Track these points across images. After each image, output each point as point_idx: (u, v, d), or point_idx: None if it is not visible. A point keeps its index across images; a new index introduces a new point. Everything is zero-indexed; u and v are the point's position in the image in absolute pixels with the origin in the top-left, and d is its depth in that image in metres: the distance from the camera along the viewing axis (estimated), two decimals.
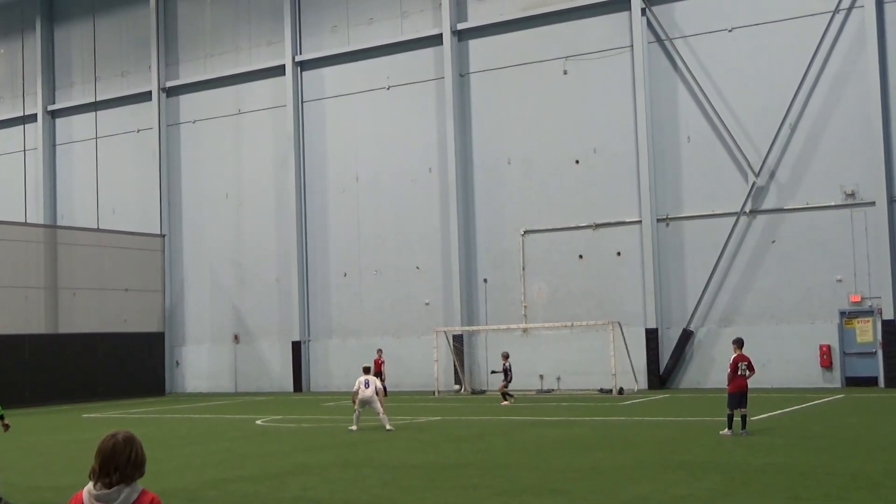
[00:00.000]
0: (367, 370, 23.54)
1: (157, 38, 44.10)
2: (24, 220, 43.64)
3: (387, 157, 39.03)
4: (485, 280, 37.28)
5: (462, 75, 37.75)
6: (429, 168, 38.18)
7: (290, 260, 40.62)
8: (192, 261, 43.53)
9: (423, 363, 36.83)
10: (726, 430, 18.98)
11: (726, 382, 19.37)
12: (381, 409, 22.39)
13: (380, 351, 35.20)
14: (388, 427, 22.21)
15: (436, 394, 34.49)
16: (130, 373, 39.64)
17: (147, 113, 44.44)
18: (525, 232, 36.43)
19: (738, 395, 19.00)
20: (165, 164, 44.05)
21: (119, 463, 4.84)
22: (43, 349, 36.20)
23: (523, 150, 36.56)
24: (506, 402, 29.97)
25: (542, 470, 15.21)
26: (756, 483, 13.11)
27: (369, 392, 22.37)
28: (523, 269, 36.46)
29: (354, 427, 22.55)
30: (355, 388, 22.59)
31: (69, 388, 35.99)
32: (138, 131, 44.90)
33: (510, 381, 30.93)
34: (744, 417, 19.06)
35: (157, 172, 43.95)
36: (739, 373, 19.06)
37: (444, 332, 36.41)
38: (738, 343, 19.58)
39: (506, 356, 31.58)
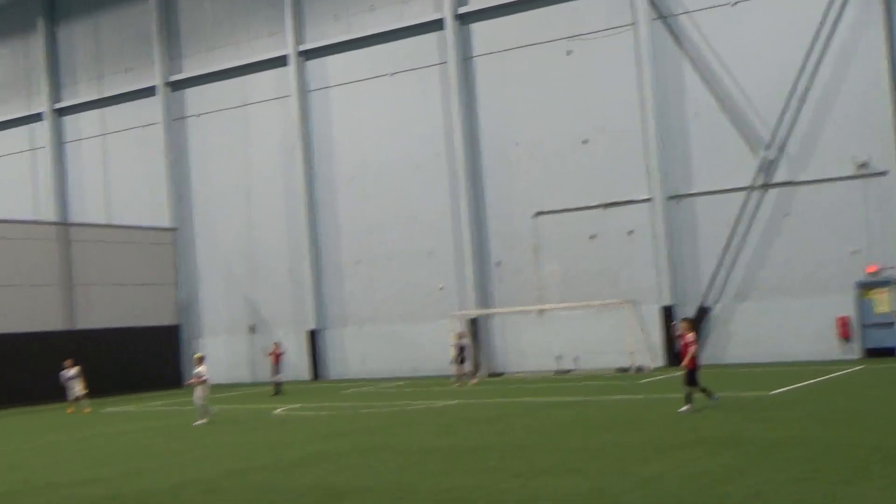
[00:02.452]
0: (200, 360, 24.66)
1: (159, 32, 44.06)
2: (35, 219, 43.80)
3: (394, 143, 38.97)
4: (497, 263, 37.23)
5: (466, 59, 37.62)
6: (436, 153, 38.10)
7: (302, 249, 40.66)
8: (204, 253, 43.63)
9: (438, 348, 36.83)
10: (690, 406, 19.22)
11: (686, 359, 19.57)
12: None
13: (277, 344, 35.63)
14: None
15: (453, 378, 34.47)
16: (148, 366, 39.77)
17: (153, 108, 44.45)
18: (536, 214, 36.34)
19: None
20: (173, 158, 44.08)
21: None
22: (60, 346, 36.23)
23: (531, 132, 36.44)
24: (474, 381, 32.23)
25: (560, 450, 15.20)
26: (773, 457, 13.05)
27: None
28: (535, 250, 36.39)
29: (206, 420, 23.80)
30: (204, 378, 24.02)
31: (88, 383, 35.95)
32: (145, 126, 44.91)
33: (464, 363, 32.77)
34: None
35: (165, 167, 44.00)
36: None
37: (459, 316, 36.40)
38: (691, 322, 21.15)
39: (460, 336, 33.24)
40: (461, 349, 32.83)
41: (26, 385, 35.28)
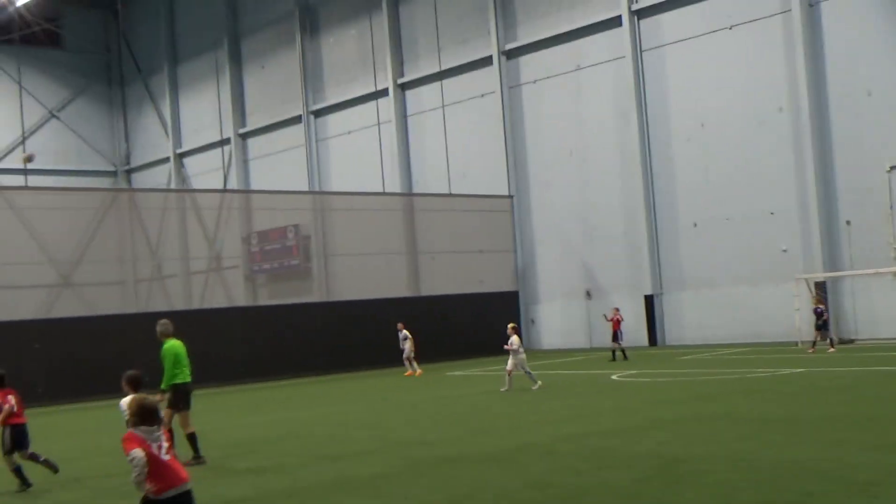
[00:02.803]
0: (514, 330, 24.77)
1: (495, 2, 44.88)
2: (382, 190, 46.33)
3: (732, 99, 37.36)
4: (847, 222, 34.84)
5: (811, 5, 35.30)
6: (779, 107, 36.14)
7: (638, 213, 40.10)
8: (540, 219, 44.15)
9: (781, 313, 35.13)
10: None
11: None
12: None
13: (616, 309, 34.82)
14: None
15: (798, 344, 32.82)
16: (488, 331, 40.73)
17: (489, 77, 45.42)
18: (891, 168, 33.58)
19: None
20: (509, 126, 44.86)
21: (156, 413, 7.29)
22: (406, 312, 38.02)
23: (885, 80, 33.61)
24: (832, 349, 30.79)
25: None
26: None
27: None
28: (891, 207, 33.68)
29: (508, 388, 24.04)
30: (511, 347, 24.22)
31: (432, 347, 37.57)
32: (482, 96, 45.99)
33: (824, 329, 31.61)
34: None
35: (502, 135, 44.88)
36: None
37: (805, 279, 34.47)
38: None
39: (820, 300, 32.25)
40: (820, 314, 31.25)
41: (377, 349, 37.24)
